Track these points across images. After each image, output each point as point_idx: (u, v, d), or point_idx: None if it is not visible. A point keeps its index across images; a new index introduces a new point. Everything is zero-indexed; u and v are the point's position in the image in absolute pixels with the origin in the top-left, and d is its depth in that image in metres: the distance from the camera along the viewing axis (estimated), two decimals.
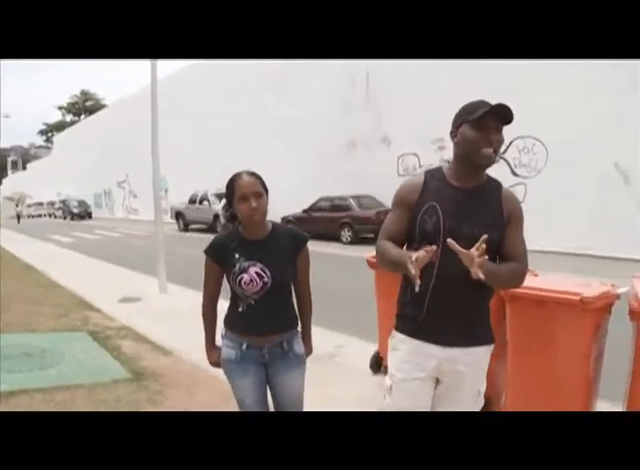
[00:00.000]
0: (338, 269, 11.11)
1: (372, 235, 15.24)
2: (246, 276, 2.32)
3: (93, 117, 42.34)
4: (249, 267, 2.32)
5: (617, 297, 2.97)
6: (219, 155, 23.78)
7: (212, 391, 4.21)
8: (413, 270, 1.77)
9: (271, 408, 2.56)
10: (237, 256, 2.34)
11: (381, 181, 16.54)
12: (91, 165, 37.77)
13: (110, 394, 4.05)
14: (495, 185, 2.10)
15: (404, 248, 2.11)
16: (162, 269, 8.61)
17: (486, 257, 1.81)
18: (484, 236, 1.81)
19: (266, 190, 2.36)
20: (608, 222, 11.17)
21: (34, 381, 4.28)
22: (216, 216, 20.45)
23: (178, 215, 22.37)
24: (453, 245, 1.82)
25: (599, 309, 2.83)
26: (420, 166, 16.60)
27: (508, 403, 3.30)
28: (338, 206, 16.64)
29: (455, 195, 2.04)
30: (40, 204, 45.52)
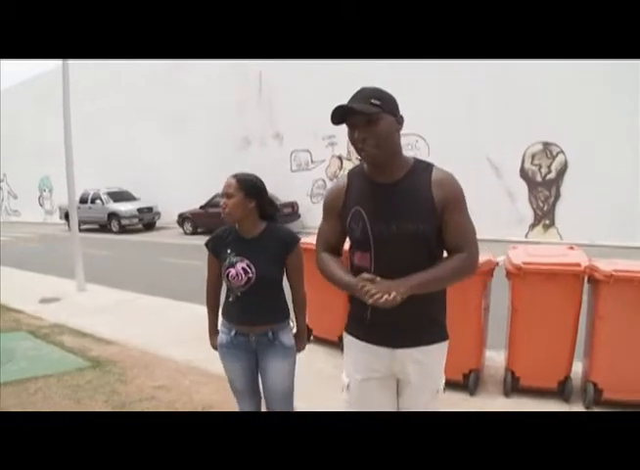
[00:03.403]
0: None
1: None
2: (232, 270, 2.50)
3: None
4: (236, 263, 2.50)
5: (497, 263, 3.99)
6: (108, 154, 23.23)
7: (168, 368, 4.79)
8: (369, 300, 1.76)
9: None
10: (229, 250, 2.54)
11: (274, 176, 17.21)
12: None
13: (80, 379, 4.46)
14: (423, 171, 1.91)
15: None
16: (80, 268, 8.72)
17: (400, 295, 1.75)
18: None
19: (250, 194, 2.50)
20: (484, 209, 12.79)
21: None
22: (111, 215, 20.14)
23: (68, 215, 21.55)
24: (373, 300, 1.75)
25: (485, 272, 3.83)
26: (312, 162, 17.57)
27: None
28: None
29: (378, 193, 1.91)
30: None
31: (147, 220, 20.61)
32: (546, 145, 12.57)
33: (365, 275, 1.82)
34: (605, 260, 3.79)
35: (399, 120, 1.88)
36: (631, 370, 3.57)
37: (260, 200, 2.56)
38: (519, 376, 3.91)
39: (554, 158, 12.53)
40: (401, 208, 1.87)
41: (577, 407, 3.72)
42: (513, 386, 3.93)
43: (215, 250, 2.62)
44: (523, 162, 12.92)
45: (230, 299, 2.61)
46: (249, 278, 2.49)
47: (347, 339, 2.13)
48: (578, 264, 3.67)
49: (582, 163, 11.98)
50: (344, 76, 15.20)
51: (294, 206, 17.13)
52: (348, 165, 16.45)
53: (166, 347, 5.44)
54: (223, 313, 2.69)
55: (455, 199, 1.89)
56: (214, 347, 2.78)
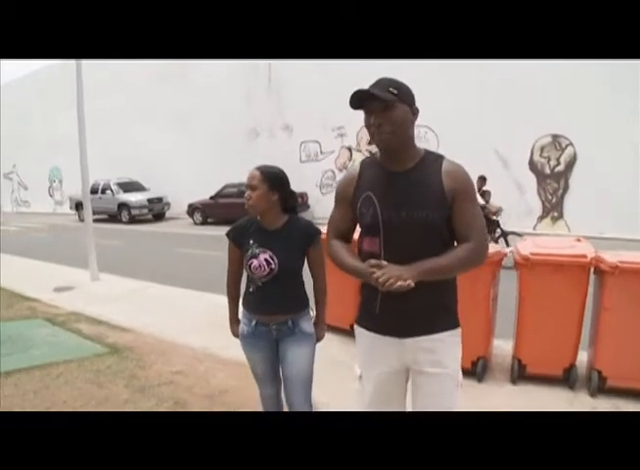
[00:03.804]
0: None
1: None
2: (255, 261, 2.54)
3: None
4: (259, 254, 2.54)
5: (505, 254, 4.10)
6: (117, 146, 23.36)
7: (185, 355, 4.93)
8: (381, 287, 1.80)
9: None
10: (251, 241, 2.57)
11: (284, 167, 17.07)
12: None
13: (99, 364, 4.62)
14: (434, 161, 1.97)
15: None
16: (93, 258, 8.88)
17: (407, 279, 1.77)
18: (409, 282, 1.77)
19: (274, 186, 2.54)
20: (493, 201, 12.85)
21: (22, 362, 4.70)
22: (121, 205, 20.34)
23: (79, 206, 21.77)
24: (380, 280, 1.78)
25: (494, 262, 3.94)
26: (321, 153, 17.66)
27: None
28: (244, 192, 16.96)
29: (390, 180, 1.96)
30: None
31: (157, 211, 20.84)
32: (555, 137, 12.61)
33: (372, 261, 1.85)
34: (611, 252, 3.89)
35: (414, 112, 1.94)
36: (635, 359, 3.68)
37: (283, 192, 2.60)
38: (525, 364, 4.03)
39: (563, 150, 12.57)
40: (412, 195, 1.92)
41: (582, 394, 3.84)
42: (520, 373, 4.05)
43: (237, 240, 2.66)
44: (532, 154, 12.97)
45: (250, 289, 2.65)
46: (271, 269, 2.53)
47: (358, 330, 2.16)
48: (584, 256, 3.77)
49: (591, 155, 12.00)
50: (354, 67, 15.19)
51: (303, 197, 17.21)
52: (358, 156, 16.51)
53: (182, 334, 5.58)
54: (243, 304, 2.74)
55: (465, 190, 1.93)
56: (235, 335, 2.83)
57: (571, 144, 12.43)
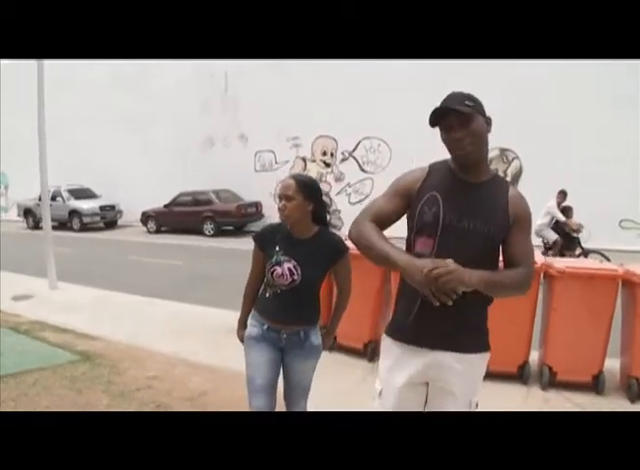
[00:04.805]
0: (218, 259, 11.88)
1: (232, 228, 16.45)
2: (278, 269, 2.52)
3: None
4: (283, 262, 2.52)
5: None
6: (70, 152, 22.81)
7: (157, 361, 5.03)
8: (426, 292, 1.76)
9: (280, 390, 2.74)
10: (277, 248, 2.55)
11: (238, 176, 17.63)
12: None
13: (74, 371, 4.66)
14: (503, 183, 2.03)
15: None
16: (52, 266, 8.77)
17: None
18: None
19: (309, 196, 2.53)
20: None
21: None
22: (72, 213, 19.91)
23: (27, 213, 21.23)
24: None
25: None
26: (276, 163, 17.85)
27: None
28: (199, 200, 17.28)
29: (459, 187, 1.95)
30: None
31: (109, 218, 20.47)
32: (503, 151, 13.26)
33: (437, 260, 1.79)
34: (557, 259, 4.30)
35: (488, 122, 1.96)
36: (581, 354, 4.09)
37: (317, 203, 2.59)
38: None
39: (509, 163, 13.25)
40: (481, 207, 1.93)
41: (535, 389, 4.22)
42: None
43: (262, 244, 2.64)
44: None
45: (267, 294, 2.64)
46: (293, 279, 2.52)
47: (386, 342, 2.11)
48: (535, 262, 4.14)
49: (536, 167, 12.67)
50: (310, 77, 15.56)
51: (257, 205, 17.40)
52: (312, 167, 16.83)
53: (150, 341, 5.66)
54: (257, 307, 2.72)
55: (525, 218, 1.98)
56: (242, 339, 2.78)
57: (517, 157, 13.11)
